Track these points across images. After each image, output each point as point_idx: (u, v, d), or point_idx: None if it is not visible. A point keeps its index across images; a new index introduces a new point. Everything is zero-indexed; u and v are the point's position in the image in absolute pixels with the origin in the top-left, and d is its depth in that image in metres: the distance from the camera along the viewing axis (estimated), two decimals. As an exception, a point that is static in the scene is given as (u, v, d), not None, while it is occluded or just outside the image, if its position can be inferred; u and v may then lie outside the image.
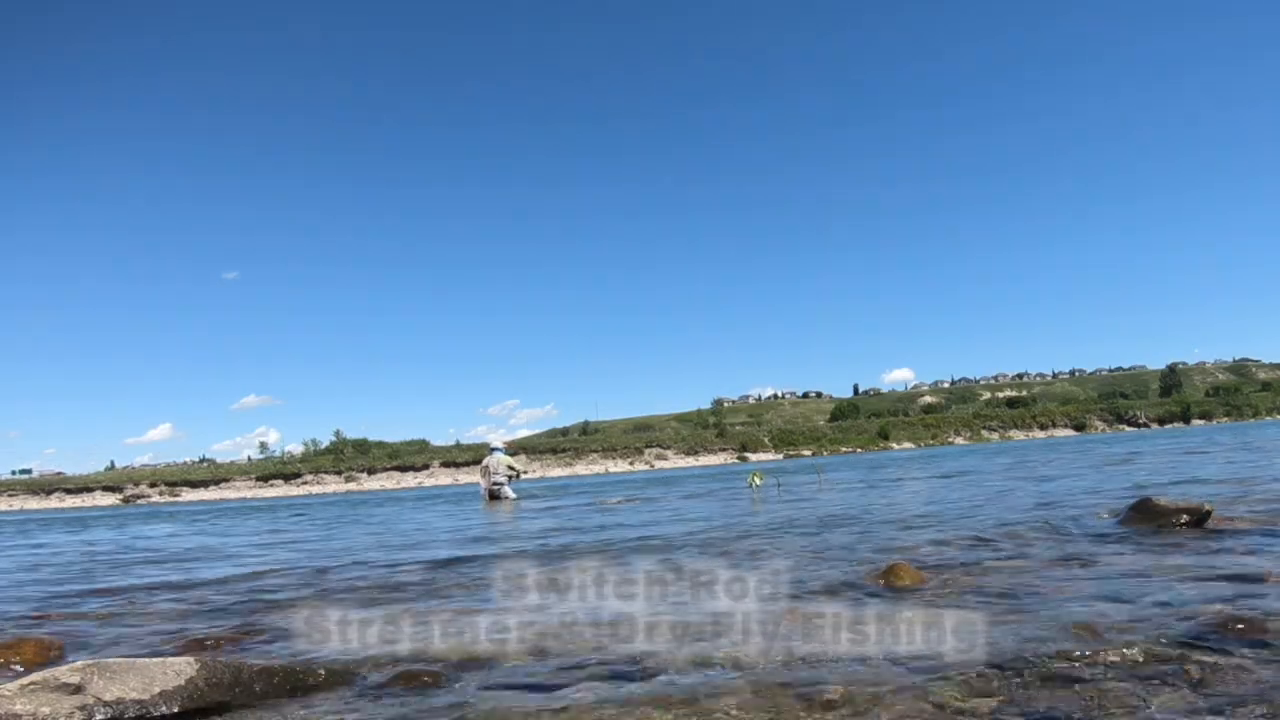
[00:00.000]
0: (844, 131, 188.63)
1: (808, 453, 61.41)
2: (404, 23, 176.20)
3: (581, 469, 58.07)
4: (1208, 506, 4.33)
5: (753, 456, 60.58)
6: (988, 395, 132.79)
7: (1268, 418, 69.85)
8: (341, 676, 2.27)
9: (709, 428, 70.83)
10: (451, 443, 69.07)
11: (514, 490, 13.46)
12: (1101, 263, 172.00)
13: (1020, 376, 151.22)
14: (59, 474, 68.65)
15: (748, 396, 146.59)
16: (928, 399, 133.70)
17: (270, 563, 5.71)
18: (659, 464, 59.18)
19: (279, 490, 54.76)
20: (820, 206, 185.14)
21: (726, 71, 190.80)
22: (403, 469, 58.43)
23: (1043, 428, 72.85)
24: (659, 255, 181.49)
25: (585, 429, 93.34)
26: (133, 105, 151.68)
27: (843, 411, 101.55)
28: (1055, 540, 4.19)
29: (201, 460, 76.44)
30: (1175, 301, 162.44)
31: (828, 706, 1.87)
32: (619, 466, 58.97)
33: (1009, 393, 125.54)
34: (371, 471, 58.03)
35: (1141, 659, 2.06)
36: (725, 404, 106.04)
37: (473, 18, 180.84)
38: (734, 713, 1.87)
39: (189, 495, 54.70)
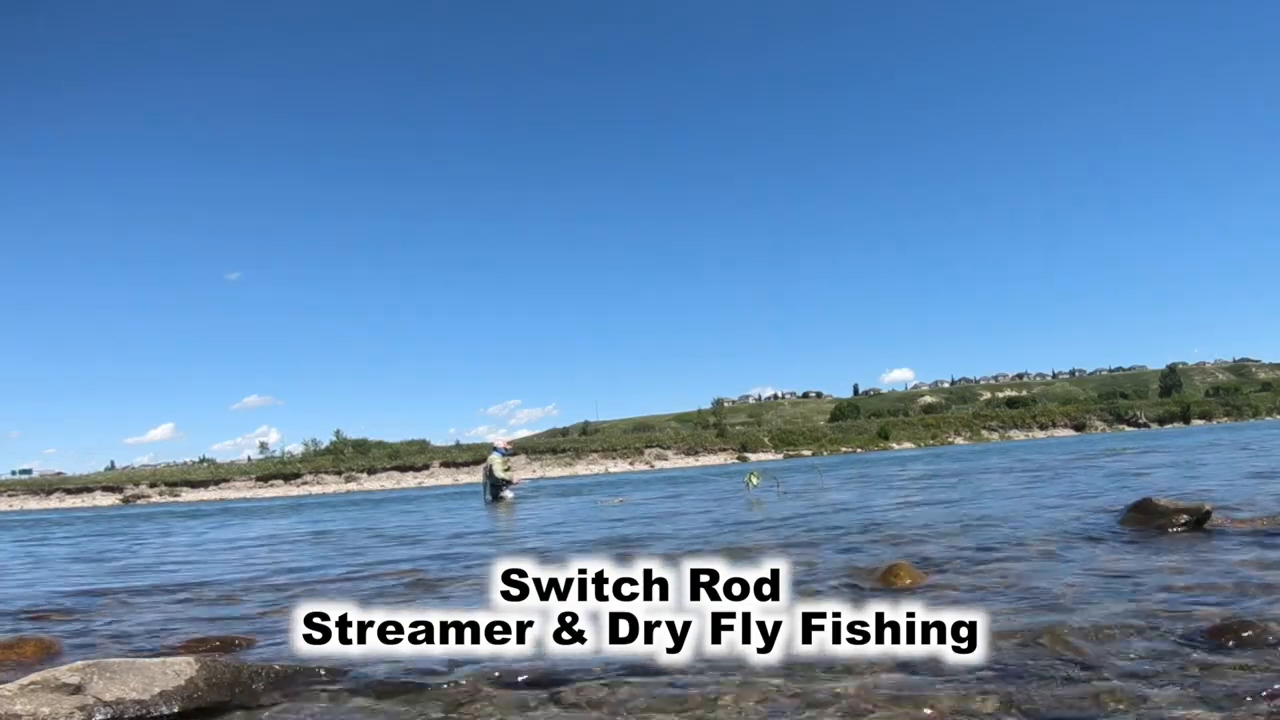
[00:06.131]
0: (843, 132, 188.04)
1: (808, 453, 61.39)
2: (405, 23, 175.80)
3: (581, 469, 58.01)
4: (1208, 507, 4.33)
5: (753, 456, 60.55)
6: (988, 395, 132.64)
7: (1268, 418, 69.79)
8: (342, 676, 2.27)
9: (709, 428, 70.75)
10: (452, 443, 69.00)
11: (513, 492, 13.44)
12: (1101, 263, 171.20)
13: (1020, 376, 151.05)
14: (59, 474, 68.53)
15: (748, 396, 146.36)
16: (928, 399, 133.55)
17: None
18: (659, 464, 59.14)
19: (279, 490, 54.70)
20: (820, 206, 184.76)
21: (726, 72, 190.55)
22: (403, 469, 58.36)
23: (1043, 428, 72.80)
24: (659, 256, 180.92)
25: (585, 429, 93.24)
26: (135, 106, 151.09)
27: (843, 411, 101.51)
28: (1055, 540, 4.19)
29: (201, 460, 76.28)
30: (1175, 301, 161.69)
31: (826, 705, 1.87)
32: (619, 466, 58.92)
33: (1009, 393, 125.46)
34: (371, 471, 57.96)
35: (1141, 658, 2.06)
36: (725, 404, 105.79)
37: (472, 18, 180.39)
38: (735, 712, 1.87)
39: (189, 495, 54.63)
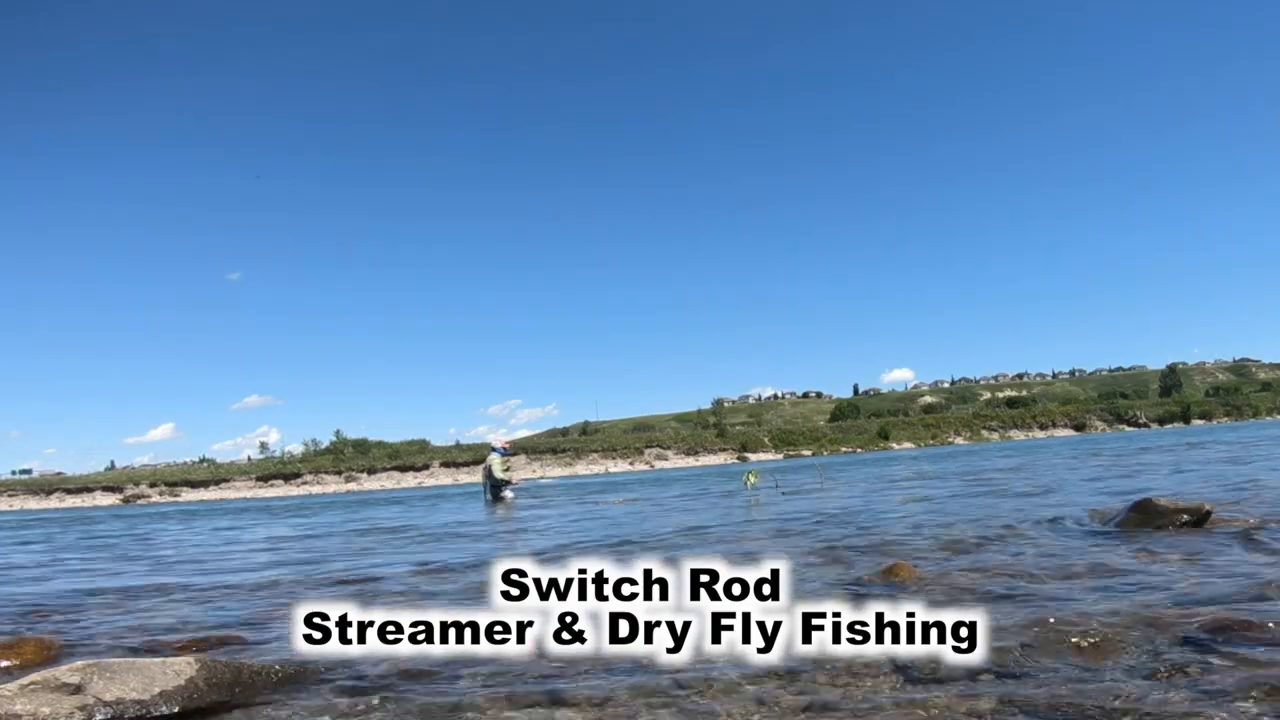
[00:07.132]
0: (843, 132, 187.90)
1: (808, 453, 61.38)
2: (405, 23, 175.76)
3: (581, 469, 57.99)
4: (1208, 506, 4.33)
5: (753, 457, 60.55)
6: (988, 395, 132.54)
7: (1268, 418, 69.78)
8: (342, 676, 2.27)
9: (709, 428, 70.74)
10: (452, 443, 69.01)
11: (513, 492, 13.43)
12: (1102, 263, 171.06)
13: (1020, 376, 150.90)
14: (59, 474, 68.53)
15: (748, 396, 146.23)
16: (928, 399, 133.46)
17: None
18: (659, 464, 59.14)
19: (279, 490, 54.70)
20: (820, 206, 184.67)
21: (726, 72, 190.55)
22: (403, 469, 58.36)
23: (1043, 428, 72.79)
24: (659, 255, 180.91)
25: (585, 429, 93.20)
26: (136, 106, 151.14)
27: (843, 411, 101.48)
28: (1055, 540, 4.19)
29: (201, 460, 76.27)
30: (1175, 301, 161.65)
31: (826, 706, 1.87)
32: (619, 466, 58.93)
33: (1009, 393, 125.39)
34: (371, 471, 57.97)
35: (1142, 657, 2.06)
36: (725, 404, 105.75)
37: (472, 18, 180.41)
38: (734, 712, 1.87)
39: (189, 495, 54.64)
